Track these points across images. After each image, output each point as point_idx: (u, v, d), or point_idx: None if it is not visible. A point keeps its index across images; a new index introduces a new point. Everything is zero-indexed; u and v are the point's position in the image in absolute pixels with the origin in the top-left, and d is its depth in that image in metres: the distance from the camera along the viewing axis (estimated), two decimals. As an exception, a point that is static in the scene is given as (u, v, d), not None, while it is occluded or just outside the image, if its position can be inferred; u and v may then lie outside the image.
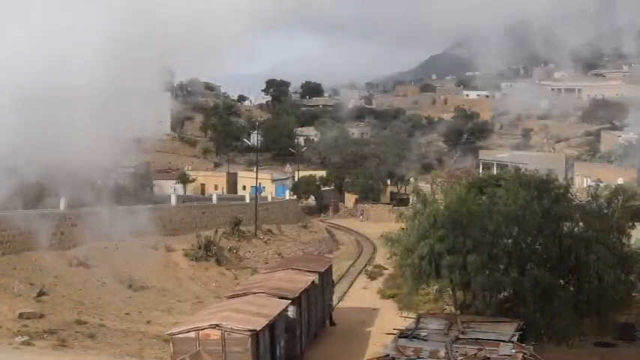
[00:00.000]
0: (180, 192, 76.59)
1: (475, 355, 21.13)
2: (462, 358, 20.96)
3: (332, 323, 33.95)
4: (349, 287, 44.27)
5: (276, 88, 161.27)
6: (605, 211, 27.69)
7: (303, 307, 28.18)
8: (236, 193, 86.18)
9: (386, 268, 46.45)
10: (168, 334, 22.90)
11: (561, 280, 26.52)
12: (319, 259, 40.87)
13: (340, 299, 39.92)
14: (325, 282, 33.04)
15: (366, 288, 44.02)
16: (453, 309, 28.89)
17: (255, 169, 76.05)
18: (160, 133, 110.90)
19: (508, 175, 34.38)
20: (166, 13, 39.36)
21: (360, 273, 49.04)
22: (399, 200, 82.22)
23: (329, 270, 34.81)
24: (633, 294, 27.74)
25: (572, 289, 26.60)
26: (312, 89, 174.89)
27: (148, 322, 34.27)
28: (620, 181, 56.48)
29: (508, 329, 23.33)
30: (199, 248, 47.70)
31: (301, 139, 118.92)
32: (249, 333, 21.79)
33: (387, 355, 21.48)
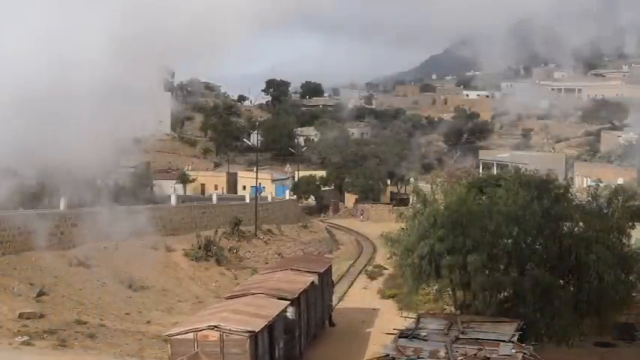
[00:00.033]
0: (180, 192, 76.62)
1: (475, 355, 21.12)
2: (462, 358, 20.96)
3: (331, 324, 33.88)
4: (349, 287, 44.26)
5: (276, 88, 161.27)
6: (605, 211, 27.68)
7: (302, 308, 28.09)
8: (236, 193, 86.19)
9: (386, 268, 46.44)
10: (166, 335, 22.77)
11: (561, 280, 26.51)
12: (319, 259, 40.82)
13: (340, 299, 39.91)
14: (325, 282, 32.97)
15: (366, 288, 44.01)
16: (453, 309, 28.87)
17: (255, 169, 76.05)
18: (160, 133, 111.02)
19: (508, 175, 34.36)
20: (167, 12, 39.39)
21: (360, 273, 49.02)
22: (399, 200, 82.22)
23: (328, 270, 34.73)
24: (633, 294, 27.71)
25: (572, 289, 26.59)
26: (312, 89, 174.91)
27: (148, 322, 34.27)
28: (620, 181, 56.50)
29: (508, 329, 23.33)
30: (199, 248, 47.70)
31: (301, 139, 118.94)
32: (247, 334, 21.68)
33: (387, 355, 21.48)
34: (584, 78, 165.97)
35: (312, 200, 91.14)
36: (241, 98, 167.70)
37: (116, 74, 37.14)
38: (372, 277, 46.92)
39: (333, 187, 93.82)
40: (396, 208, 63.14)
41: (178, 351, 21.58)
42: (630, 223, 27.36)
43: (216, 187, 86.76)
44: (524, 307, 25.60)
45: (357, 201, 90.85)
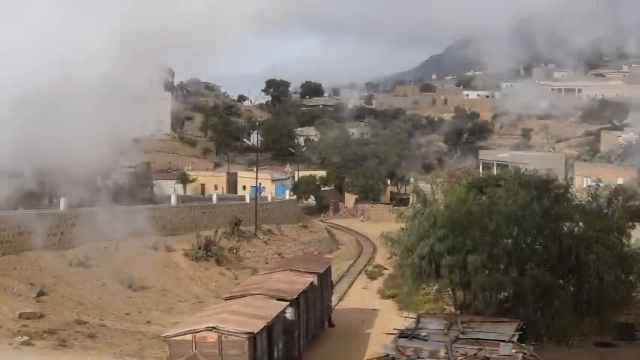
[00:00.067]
0: (180, 192, 76.63)
1: (475, 355, 21.12)
2: (462, 358, 20.95)
3: (331, 324, 33.74)
4: (349, 287, 44.25)
5: (276, 88, 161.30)
6: (605, 211, 27.67)
7: (301, 309, 27.97)
8: (236, 193, 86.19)
9: (386, 268, 46.42)
10: (165, 337, 22.66)
11: (561, 280, 26.49)
12: (318, 259, 40.69)
13: (340, 299, 39.91)
14: (324, 283, 32.87)
15: (366, 288, 43.99)
16: (453, 309, 28.85)
17: (255, 169, 76.04)
18: (160, 133, 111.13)
19: (508, 175, 34.35)
20: (167, 12, 39.38)
21: (360, 273, 49.01)
22: (399, 200, 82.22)
23: (328, 271, 34.63)
24: (633, 294, 27.70)
25: (572, 289, 26.58)
26: (312, 89, 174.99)
27: (148, 322, 34.27)
28: (620, 181, 56.52)
29: (508, 329, 23.32)
30: (199, 248, 47.69)
31: (301, 139, 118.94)
32: (246, 336, 21.55)
33: (387, 355, 21.47)
34: (584, 78, 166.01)
35: (312, 200, 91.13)
36: (241, 98, 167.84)
37: (115, 73, 37.13)
38: (372, 277, 46.90)
39: (333, 187, 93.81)
40: (396, 208, 63.14)
41: (176, 352, 21.48)
42: (630, 223, 27.35)
43: (216, 187, 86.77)
44: (524, 307, 25.59)
45: (357, 201, 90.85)
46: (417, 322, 24.54)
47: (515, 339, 22.49)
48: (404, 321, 27.37)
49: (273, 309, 24.81)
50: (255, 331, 22.01)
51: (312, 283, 29.98)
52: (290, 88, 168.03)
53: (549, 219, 26.46)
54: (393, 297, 39.16)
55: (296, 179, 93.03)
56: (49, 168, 38.25)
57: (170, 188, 71.79)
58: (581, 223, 26.91)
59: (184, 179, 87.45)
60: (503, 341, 22.14)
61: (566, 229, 26.89)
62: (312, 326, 30.09)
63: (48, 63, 34.83)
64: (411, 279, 27.61)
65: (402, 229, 28.60)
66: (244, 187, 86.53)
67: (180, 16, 39.67)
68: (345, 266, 51.66)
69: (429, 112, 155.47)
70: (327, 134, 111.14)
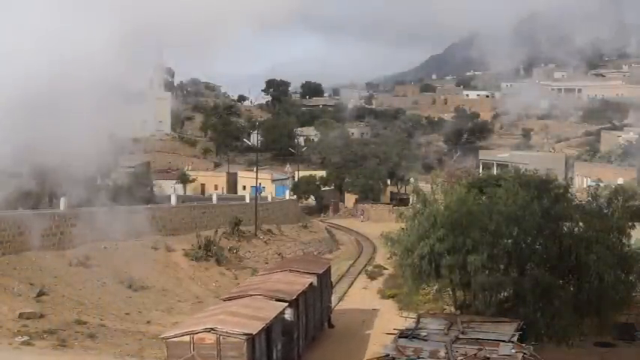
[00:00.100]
0: (180, 192, 76.68)
1: (475, 355, 21.12)
2: (462, 358, 20.95)
3: (330, 325, 33.58)
4: (349, 287, 44.24)
5: (276, 88, 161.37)
6: (605, 211, 27.66)
7: (300, 310, 27.82)
8: (236, 193, 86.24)
9: (386, 268, 46.43)
10: (162, 338, 22.47)
11: (561, 280, 26.49)
12: (318, 260, 40.58)
13: (340, 299, 39.89)
14: (324, 284, 32.74)
15: (366, 288, 43.98)
16: (453, 309, 28.85)
17: (255, 169, 76.04)
18: (160, 133, 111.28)
19: (508, 175, 34.36)
20: (167, 12, 39.41)
21: (360, 273, 49.01)
22: (399, 200, 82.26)
23: (327, 271, 34.48)
24: (633, 294, 27.70)
25: (572, 289, 26.58)
26: (312, 89, 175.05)
27: (148, 322, 34.26)
28: (620, 181, 56.51)
29: (508, 329, 23.32)
30: (199, 248, 47.68)
31: (301, 139, 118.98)
32: (244, 337, 21.37)
33: (387, 355, 21.46)
34: (584, 78, 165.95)
35: (312, 200, 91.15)
36: (241, 98, 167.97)
37: (115, 72, 37.15)
38: (372, 277, 46.90)
39: (333, 187, 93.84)
40: (396, 208, 63.15)
41: (174, 354, 21.34)
42: (630, 223, 27.33)
43: (216, 187, 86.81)
44: (524, 307, 25.59)
45: (357, 201, 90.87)
46: (417, 322, 24.53)
47: (515, 339, 22.49)
48: (404, 321, 27.33)
49: (271, 310, 24.64)
50: (254, 333, 21.83)
51: (311, 284, 29.81)
52: (290, 88, 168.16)
53: (549, 219, 26.46)
54: (393, 297, 39.16)
55: (296, 179, 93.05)
56: (48, 168, 38.27)
57: (170, 188, 71.87)
58: (581, 223, 26.90)
59: (184, 179, 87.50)
60: (503, 341, 22.14)
61: (566, 229, 26.88)
62: (311, 327, 29.95)
63: (47, 62, 34.83)
64: (411, 279, 27.61)
65: (402, 229, 28.58)
66: (244, 187, 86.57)
67: (181, 16, 39.71)
68: (345, 266, 51.66)
69: (429, 112, 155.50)
70: (327, 134, 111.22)
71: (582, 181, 74.98)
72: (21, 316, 30.84)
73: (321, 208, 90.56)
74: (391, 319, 32.67)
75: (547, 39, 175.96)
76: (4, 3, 36.78)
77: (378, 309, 37.39)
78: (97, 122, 38.11)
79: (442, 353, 21.28)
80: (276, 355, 24.18)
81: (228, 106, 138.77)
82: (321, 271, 32.40)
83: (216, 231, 51.07)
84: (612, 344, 30.30)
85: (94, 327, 31.45)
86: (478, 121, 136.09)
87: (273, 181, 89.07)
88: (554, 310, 25.50)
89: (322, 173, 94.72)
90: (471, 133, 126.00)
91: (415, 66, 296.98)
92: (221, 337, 21.32)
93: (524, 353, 21.50)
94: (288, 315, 26.27)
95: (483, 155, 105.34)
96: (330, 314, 34.23)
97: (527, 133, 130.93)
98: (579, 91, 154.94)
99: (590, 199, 28.46)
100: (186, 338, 21.46)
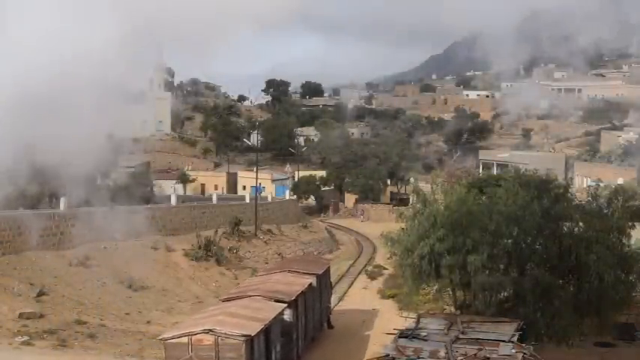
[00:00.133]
0: (180, 192, 76.68)
1: (475, 355, 21.12)
2: (462, 358, 20.95)
3: (330, 326, 33.48)
4: (349, 287, 44.23)
5: (276, 88, 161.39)
6: (605, 211, 27.65)
7: (299, 311, 27.71)
8: (236, 193, 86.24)
9: (386, 268, 46.42)
10: (160, 339, 22.35)
11: (561, 280, 26.49)
12: (317, 260, 40.46)
13: (340, 299, 39.88)
14: (323, 284, 32.63)
15: (366, 288, 43.97)
16: (453, 309, 28.84)
17: (255, 169, 76.06)
18: (160, 133, 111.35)
19: (508, 175, 34.34)
20: (167, 11, 39.42)
21: (360, 273, 49.00)
22: (399, 200, 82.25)
23: (327, 272, 34.38)
24: (633, 294, 27.70)
25: (572, 289, 26.57)
26: (312, 89, 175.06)
27: (148, 322, 34.26)
28: (620, 181, 56.49)
29: (508, 329, 23.32)
30: (199, 248, 47.68)
31: (301, 139, 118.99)
32: (243, 338, 21.25)
33: (387, 355, 21.46)
34: (584, 78, 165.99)
35: (312, 200, 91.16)
36: (241, 98, 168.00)
37: (115, 72, 37.16)
38: (372, 277, 46.89)
39: (333, 187, 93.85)
40: (396, 208, 63.15)
41: (172, 355, 21.22)
42: (630, 223, 27.33)
43: (216, 187, 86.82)
44: (524, 307, 25.58)
45: (357, 201, 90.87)
46: (417, 322, 24.52)
47: (515, 339, 22.49)
48: (404, 321, 27.33)
49: (270, 311, 24.51)
50: (253, 334, 21.70)
51: (310, 285, 29.72)
52: (290, 88, 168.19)
53: (549, 219, 26.45)
54: (393, 297, 39.15)
55: (296, 179, 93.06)
56: (49, 167, 38.26)
57: (170, 188, 71.85)
58: (581, 223, 26.89)
59: (184, 179, 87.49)
60: (503, 341, 22.14)
61: (566, 229, 26.87)
62: (310, 328, 29.85)
63: (47, 62, 34.83)
64: (411, 279, 27.60)
65: (402, 229, 28.57)
66: (244, 187, 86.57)
67: (181, 15, 39.71)
68: (345, 266, 51.66)
69: (429, 112, 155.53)
70: (327, 134, 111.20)
71: (582, 181, 74.97)
72: (21, 316, 30.85)
73: (321, 208, 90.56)
74: (391, 319, 32.66)
75: (549, 37, 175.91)
76: (4, 3, 36.78)
77: (378, 309, 37.38)
78: (97, 122, 38.11)
79: (442, 353, 21.27)
80: (275, 356, 24.05)
81: (228, 106, 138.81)
82: (320, 272, 32.32)
83: (216, 231, 51.08)
84: (612, 344, 30.29)
85: (94, 327, 31.45)
86: (478, 121, 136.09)
87: (273, 181, 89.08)
88: (554, 310, 25.49)
89: (322, 173, 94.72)
90: (471, 133, 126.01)
91: (415, 66, 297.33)
92: (219, 339, 21.19)
93: (524, 353, 21.50)
94: (287, 316, 26.16)
95: (483, 155, 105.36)
96: (330, 315, 34.14)
97: (527, 133, 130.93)
98: (579, 91, 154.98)
99: (590, 199, 28.45)
100: (185, 339, 21.31)
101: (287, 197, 78.76)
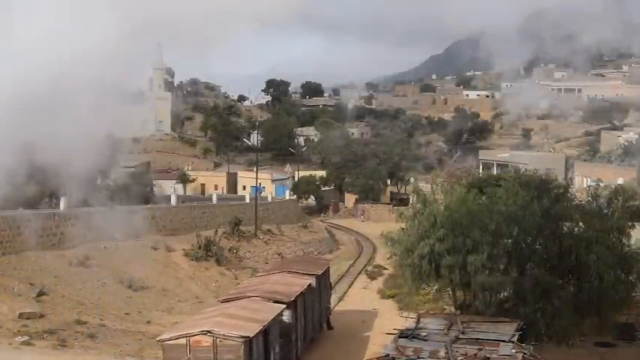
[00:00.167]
0: (180, 192, 76.71)
1: (475, 355, 21.10)
2: (462, 358, 20.93)
3: (330, 327, 33.34)
4: (349, 287, 44.20)
5: (276, 88, 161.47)
6: (605, 211, 27.63)
7: (299, 312, 27.58)
8: (236, 193, 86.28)
9: (386, 268, 46.41)
10: (158, 341, 22.25)
11: (561, 280, 26.47)
12: (317, 261, 40.27)
13: (340, 299, 39.85)
14: (323, 285, 32.47)
15: (366, 288, 43.96)
16: (453, 309, 28.84)
17: (255, 169, 76.07)
18: (160, 133, 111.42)
19: (508, 175, 34.32)
20: (167, 11, 39.41)
21: (360, 273, 48.99)
22: (399, 200, 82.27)
23: (326, 272, 34.21)
24: (633, 294, 27.68)
25: (572, 289, 26.55)
26: (312, 89, 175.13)
27: (148, 322, 34.25)
28: (620, 181, 56.45)
29: (508, 329, 23.31)
30: (199, 248, 47.68)
31: (301, 139, 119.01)
32: (241, 340, 21.12)
33: (387, 355, 21.45)
34: (584, 78, 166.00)
35: (312, 200, 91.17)
36: (241, 98, 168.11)
37: (115, 72, 37.17)
38: (372, 277, 46.88)
39: (333, 187, 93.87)
40: (396, 208, 63.16)
41: (170, 357, 21.11)
42: (630, 223, 27.32)
43: (216, 187, 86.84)
44: (524, 307, 25.57)
45: (357, 201, 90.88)
46: (417, 322, 24.51)
47: (515, 339, 22.47)
48: (404, 321, 27.31)
49: (269, 312, 24.35)
50: (251, 335, 21.57)
51: (310, 285, 29.58)
52: (290, 88, 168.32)
53: (549, 219, 26.44)
54: (393, 297, 39.14)
55: (296, 179, 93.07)
56: (48, 167, 38.27)
57: (170, 188, 71.87)
58: (581, 223, 26.87)
59: (184, 179, 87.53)
60: (503, 341, 22.12)
61: (566, 229, 26.85)
62: (310, 329, 29.71)
63: (47, 62, 34.83)
64: (411, 279, 27.58)
65: (402, 229, 28.55)
66: (244, 187, 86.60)
67: (181, 15, 39.71)
68: (345, 266, 51.65)
69: (429, 112, 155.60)
70: (327, 134, 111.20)
71: (582, 181, 74.92)
72: (21, 316, 30.84)
73: (321, 208, 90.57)
74: (391, 319, 32.64)
75: (551, 37, 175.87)
76: (4, 3, 36.78)
77: (377, 309, 37.36)
78: (96, 121, 38.11)
79: (442, 353, 21.26)
80: (274, 357, 23.92)
81: (228, 106, 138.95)
82: (319, 272, 32.19)
83: (216, 231, 51.07)
84: (612, 344, 30.27)
85: (94, 327, 31.44)
86: (478, 121, 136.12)
87: (273, 181, 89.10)
88: (554, 310, 25.48)
89: (322, 173, 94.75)
90: (471, 133, 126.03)
91: (415, 66, 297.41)
92: (217, 340, 21.06)
93: (524, 353, 21.49)
94: (286, 317, 26.01)
95: (483, 155, 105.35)
96: (329, 315, 34.03)
97: (527, 133, 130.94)
98: (579, 91, 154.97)
99: (590, 199, 28.43)
100: (183, 341, 21.19)
101: (287, 197, 78.78)
